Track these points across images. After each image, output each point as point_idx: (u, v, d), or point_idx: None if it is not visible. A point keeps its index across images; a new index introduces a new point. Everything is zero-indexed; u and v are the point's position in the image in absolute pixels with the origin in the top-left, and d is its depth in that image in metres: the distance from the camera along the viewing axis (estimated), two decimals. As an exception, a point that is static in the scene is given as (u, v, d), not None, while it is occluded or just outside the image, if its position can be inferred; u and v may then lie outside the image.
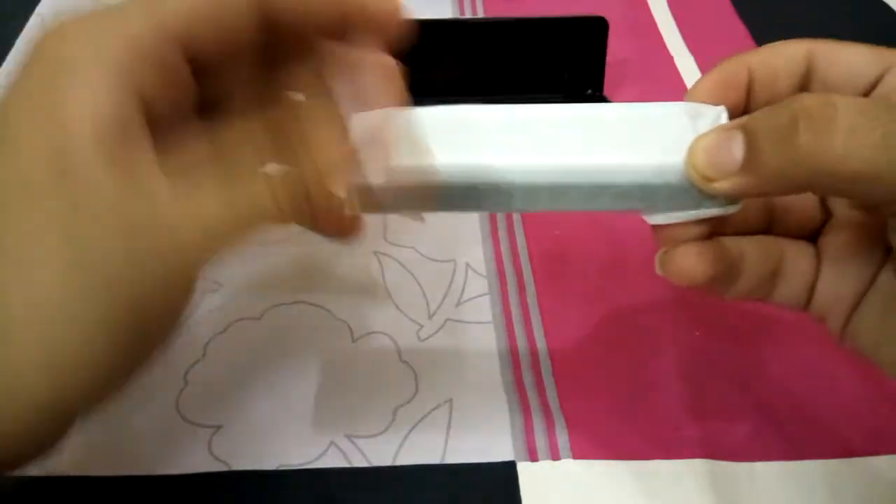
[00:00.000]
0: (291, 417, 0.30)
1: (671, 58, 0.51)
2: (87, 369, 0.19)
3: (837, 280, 0.25)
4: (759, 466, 0.30)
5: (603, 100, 0.44)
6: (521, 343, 0.34)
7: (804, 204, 0.26)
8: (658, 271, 0.25)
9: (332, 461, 0.29)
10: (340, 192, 0.21)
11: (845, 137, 0.19)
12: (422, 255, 0.37)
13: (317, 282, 0.35)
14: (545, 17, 0.42)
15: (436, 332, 0.34)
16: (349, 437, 0.30)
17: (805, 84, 0.24)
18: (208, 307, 0.33)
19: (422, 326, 0.34)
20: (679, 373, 0.32)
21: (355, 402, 0.31)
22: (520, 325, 0.34)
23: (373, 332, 0.27)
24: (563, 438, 0.30)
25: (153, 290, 0.19)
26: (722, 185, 0.21)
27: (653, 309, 0.35)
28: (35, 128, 0.18)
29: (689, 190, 0.22)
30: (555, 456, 0.30)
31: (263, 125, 0.22)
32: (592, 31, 0.42)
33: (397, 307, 0.34)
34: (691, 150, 0.22)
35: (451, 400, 0.31)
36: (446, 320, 0.34)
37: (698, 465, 0.29)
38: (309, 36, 0.22)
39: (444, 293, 0.35)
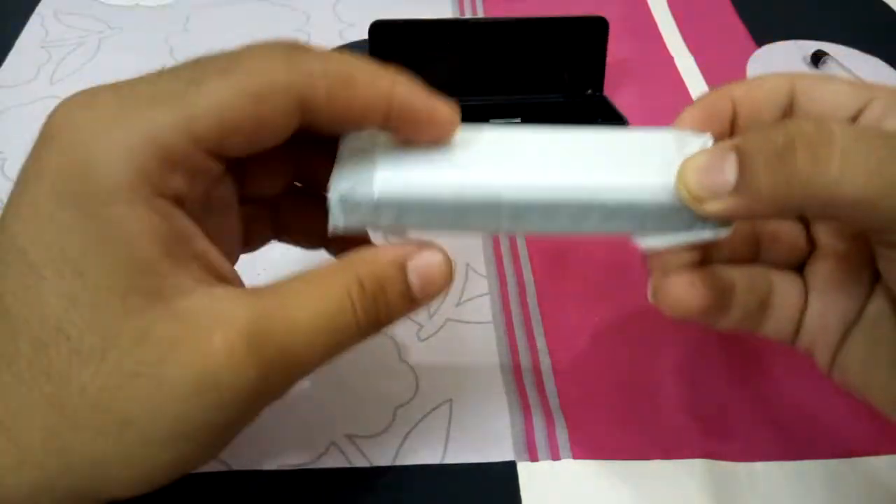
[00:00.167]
0: (291, 417, 0.30)
1: (671, 58, 0.51)
2: (188, 470, 0.21)
3: (825, 310, 0.25)
4: (759, 466, 0.30)
5: (603, 100, 0.44)
6: (521, 343, 0.34)
7: (792, 233, 0.26)
8: (651, 300, 0.25)
9: (332, 461, 0.29)
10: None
11: (841, 162, 0.19)
12: (422, 255, 0.37)
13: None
14: (546, 17, 0.42)
15: (436, 332, 0.34)
16: (349, 437, 0.30)
17: (787, 116, 0.24)
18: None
19: (422, 326, 0.34)
20: (679, 373, 0.32)
21: (355, 402, 0.31)
22: (520, 325, 0.34)
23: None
24: (563, 438, 0.30)
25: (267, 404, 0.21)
26: (713, 207, 0.21)
27: (653, 309, 0.35)
28: (103, 258, 0.19)
29: (678, 211, 0.22)
30: (555, 456, 0.30)
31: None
32: (593, 32, 0.42)
33: (397, 307, 0.34)
34: (682, 170, 0.22)
35: (451, 400, 0.31)
36: (446, 320, 0.34)
37: (698, 465, 0.29)
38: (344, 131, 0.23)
39: (444, 293, 0.35)
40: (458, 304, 0.35)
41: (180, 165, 0.20)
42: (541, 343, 0.34)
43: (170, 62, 0.49)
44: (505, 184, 0.22)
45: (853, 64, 0.50)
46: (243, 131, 0.20)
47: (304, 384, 0.31)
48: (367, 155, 0.23)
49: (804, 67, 0.51)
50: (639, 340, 0.34)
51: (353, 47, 0.50)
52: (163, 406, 0.19)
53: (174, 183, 0.20)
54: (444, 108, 0.23)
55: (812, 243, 0.26)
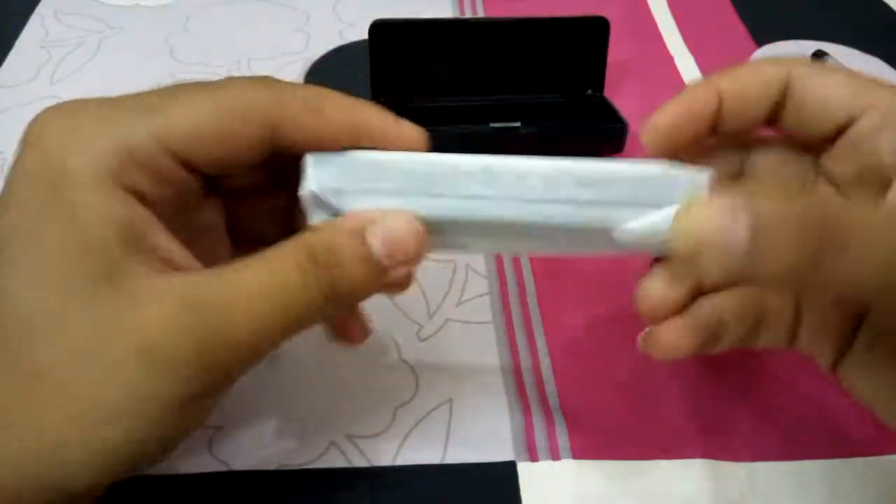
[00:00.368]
0: (291, 417, 0.30)
1: (671, 58, 0.51)
2: (147, 455, 0.21)
3: (821, 325, 0.25)
4: (759, 466, 0.30)
5: (603, 101, 0.44)
6: (521, 343, 0.34)
7: None
8: (641, 350, 0.24)
9: (332, 461, 0.29)
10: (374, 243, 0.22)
11: (855, 255, 0.19)
12: (422, 255, 0.37)
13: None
14: (547, 17, 0.42)
15: (436, 332, 0.34)
16: (349, 437, 0.30)
17: (777, 112, 0.24)
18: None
19: (422, 326, 0.34)
20: (679, 373, 0.32)
21: (355, 402, 0.31)
22: (520, 325, 0.34)
23: (373, 332, 0.27)
24: (563, 438, 0.30)
25: (214, 382, 0.21)
26: (712, 267, 0.20)
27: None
28: (60, 239, 0.20)
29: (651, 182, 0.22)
30: (555, 456, 0.30)
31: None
32: (594, 32, 0.42)
33: (397, 307, 0.34)
34: (687, 217, 0.20)
35: (451, 400, 0.31)
36: (446, 320, 0.34)
37: (698, 465, 0.29)
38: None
39: (445, 293, 0.35)
40: (458, 304, 0.35)
41: (146, 166, 0.21)
42: (541, 343, 0.34)
43: (170, 62, 0.49)
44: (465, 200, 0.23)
45: (853, 64, 0.50)
46: (213, 141, 0.21)
47: (304, 384, 0.31)
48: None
49: (804, 67, 0.51)
50: (639, 340, 0.34)
51: (353, 47, 0.50)
52: (105, 380, 0.19)
53: (138, 180, 0.21)
54: (412, 132, 0.23)
55: None
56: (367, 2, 0.52)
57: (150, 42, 0.50)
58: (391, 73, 0.42)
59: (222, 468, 0.29)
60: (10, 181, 0.20)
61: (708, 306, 0.24)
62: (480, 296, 0.35)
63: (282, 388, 0.31)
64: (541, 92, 0.44)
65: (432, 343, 0.33)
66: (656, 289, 0.24)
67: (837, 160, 0.24)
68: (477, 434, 0.30)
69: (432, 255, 0.23)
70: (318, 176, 0.22)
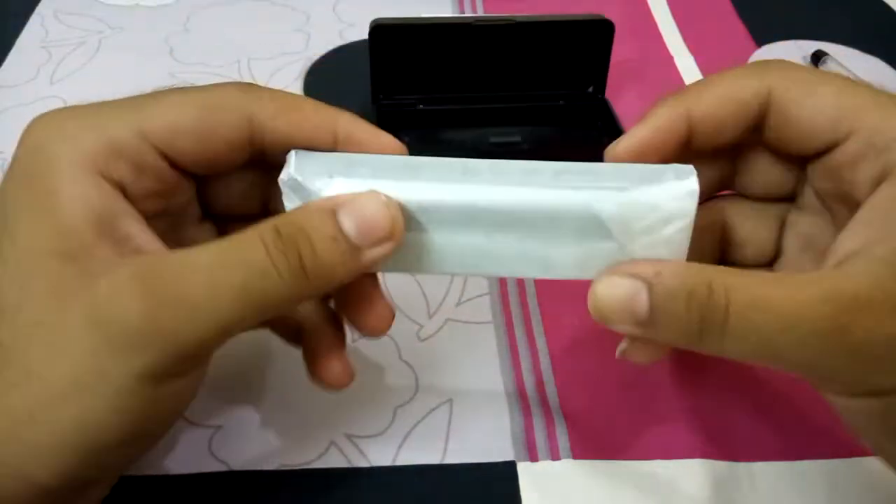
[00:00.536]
0: (291, 417, 0.30)
1: (671, 58, 0.51)
2: (111, 440, 0.20)
3: None
4: (759, 466, 0.30)
5: (604, 103, 0.44)
6: (521, 343, 0.34)
7: (760, 239, 0.27)
8: (618, 358, 0.25)
9: (332, 461, 0.29)
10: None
11: (732, 332, 0.20)
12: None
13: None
14: (549, 19, 0.42)
15: (436, 332, 0.34)
16: (349, 437, 0.30)
17: (757, 127, 0.24)
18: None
19: (422, 326, 0.34)
20: (679, 373, 0.32)
21: (355, 402, 0.31)
22: (520, 325, 0.34)
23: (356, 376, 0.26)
24: (563, 438, 0.30)
25: (168, 352, 0.20)
26: (621, 329, 0.22)
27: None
28: (34, 221, 0.20)
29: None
30: (555, 456, 0.30)
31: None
32: (597, 34, 0.42)
33: (397, 307, 0.34)
34: (593, 293, 0.22)
35: (451, 400, 0.31)
36: (446, 320, 0.34)
37: (698, 465, 0.29)
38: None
39: (444, 293, 0.35)
40: (458, 304, 0.35)
41: (129, 158, 0.21)
42: (541, 343, 0.34)
43: (170, 62, 0.49)
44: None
45: (853, 64, 0.50)
46: (192, 135, 0.22)
47: (304, 384, 0.31)
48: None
49: (804, 67, 0.51)
50: (639, 340, 0.34)
51: (353, 47, 0.50)
52: (60, 356, 0.19)
53: (121, 171, 0.21)
54: (390, 141, 0.24)
55: (778, 250, 0.27)
56: (367, 2, 0.52)
57: (150, 42, 0.50)
58: (391, 74, 0.42)
59: (222, 468, 0.29)
60: (4, 178, 0.21)
61: None
62: (480, 296, 0.35)
63: (282, 388, 0.31)
64: (542, 94, 0.44)
65: (432, 343, 0.33)
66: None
67: (820, 177, 0.24)
68: (477, 434, 0.30)
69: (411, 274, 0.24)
70: (298, 164, 0.23)
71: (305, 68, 0.48)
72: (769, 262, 0.27)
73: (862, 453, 0.30)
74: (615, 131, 0.42)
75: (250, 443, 0.29)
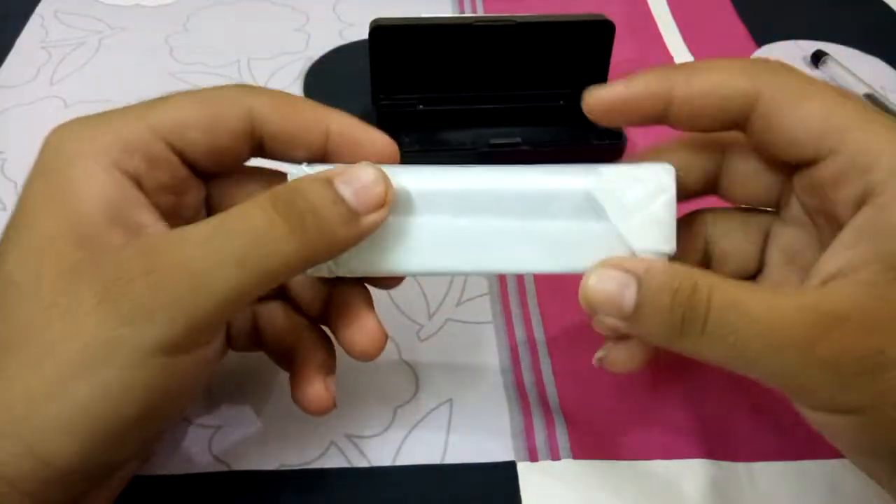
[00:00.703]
0: (291, 417, 0.30)
1: (671, 58, 0.51)
2: (124, 417, 0.20)
3: None
4: (759, 466, 0.30)
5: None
6: (521, 343, 0.34)
7: (742, 252, 0.27)
8: (595, 365, 0.26)
9: (332, 461, 0.29)
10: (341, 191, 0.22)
11: (711, 334, 0.21)
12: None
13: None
14: (549, 20, 0.42)
15: (436, 332, 0.34)
16: (349, 437, 0.30)
17: (738, 125, 0.24)
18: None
19: (422, 326, 0.34)
20: (679, 372, 0.32)
21: (355, 402, 0.31)
22: (520, 325, 0.34)
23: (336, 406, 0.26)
24: (563, 438, 0.30)
25: (177, 324, 0.20)
26: (605, 321, 0.23)
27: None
28: (50, 211, 0.21)
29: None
30: (555, 456, 0.30)
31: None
32: (597, 34, 0.42)
33: (397, 307, 0.34)
34: (587, 280, 0.23)
35: (451, 400, 0.31)
36: (446, 320, 0.34)
37: (698, 465, 0.29)
38: (293, 154, 0.25)
39: (444, 293, 0.35)
40: (458, 304, 0.35)
41: (142, 152, 0.22)
42: (541, 343, 0.34)
43: (170, 62, 0.49)
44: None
45: (853, 64, 0.50)
46: (198, 128, 0.23)
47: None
48: None
49: (804, 67, 0.51)
50: (639, 340, 0.34)
51: (353, 47, 0.50)
52: (73, 333, 0.20)
53: (135, 165, 0.22)
54: (382, 139, 0.25)
55: (762, 263, 0.27)
56: (367, 2, 0.52)
57: (150, 42, 0.50)
58: (391, 74, 0.42)
59: (222, 468, 0.29)
60: (26, 179, 0.22)
61: None
62: (480, 296, 0.36)
63: (282, 388, 0.31)
64: (542, 93, 0.44)
65: (432, 343, 0.33)
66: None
67: (804, 191, 0.24)
68: (477, 434, 0.30)
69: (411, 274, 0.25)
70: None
71: (305, 68, 0.48)
72: (752, 276, 0.27)
73: (862, 453, 0.30)
74: (615, 132, 0.42)
75: (250, 443, 0.29)
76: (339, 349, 0.26)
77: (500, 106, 0.44)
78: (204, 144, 0.23)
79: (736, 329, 0.21)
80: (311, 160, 0.25)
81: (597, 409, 0.31)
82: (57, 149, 0.22)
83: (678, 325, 0.21)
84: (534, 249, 0.24)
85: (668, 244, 0.24)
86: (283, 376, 0.31)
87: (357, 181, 0.22)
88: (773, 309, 0.21)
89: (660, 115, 0.24)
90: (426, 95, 0.43)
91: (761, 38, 0.53)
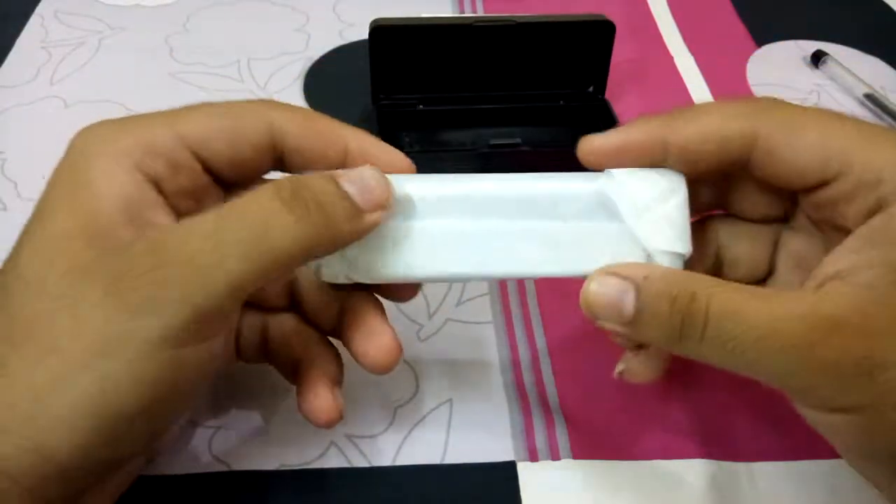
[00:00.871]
0: (292, 417, 0.30)
1: (671, 58, 0.51)
2: (129, 409, 0.20)
3: None
4: (759, 466, 0.30)
5: (604, 102, 0.44)
6: (521, 343, 0.34)
7: (752, 257, 0.27)
8: (616, 377, 0.27)
9: (332, 461, 0.29)
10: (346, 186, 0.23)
11: (711, 337, 0.21)
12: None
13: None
14: (550, 20, 0.42)
15: (436, 332, 0.34)
16: (349, 437, 0.30)
17: (740, 164, 0.24)
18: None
19: (422, 326, 0.34)
20: (679, 372, 0.32)
21: (355, 402, 0.31)
22: (520, 325, 0.34)
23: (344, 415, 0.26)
24: (563, 438, 0.30)
25: (183, 314, 0.20)
26: (608, 326, 0.23)
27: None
28: (66, 208, 0.22)
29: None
30: (555, 456, 0.30)
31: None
32: (598, 34, 0.42)
33: (397, 307, 0.34)
34: (585, 290, 0.23)
35: (451, 400, 0.31)
36: (446, 320, 0.34)
37: (698, 465, 0.29)
38: (312, 168, 0.25)
39: (444, 293, 0.35)
40: (458, 304, 0.35)
41: (165, 156, 0.23)
42: (541, 343, 0.34)
43: (170, 62, 0.49)
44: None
45: (853, 64, 0.50)
46: (222, 139, 0.24)
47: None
48: None
49: (804, 67, 0.51)
50: (639, 340, 0.34)
51: (353, 47, 0.50)
52: (80, 326, 0.20)
53: (157, 168, 0.23)
54: (399, 156, 0.25)
55: (772, 268, 0.27)
56: (367, 2, 0.52)
57: (150, 42, 0.50)
58: (391, 74, 0.42)
59: (222, 468, 0.29)
60: (50, 177, 0.23)
61: None
62: (480, 296, 0.35)
63: (282, 388, 0.31)
64: (542, 93, 0.44)
65: (432, 343, 0.33)
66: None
67: (812, 207, 0.25)
68: (477, 434, 0.30)
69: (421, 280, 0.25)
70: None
71: (305, 68, 0.48)
72: (762, 280, 0.27)
73: (862, 453, 0.30)
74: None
75: (250, 443, 0.29)
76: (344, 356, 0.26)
77: (500, 106, 0.44)
78: (226, 155, 0.24)
79: (734, 336, 0.21)
80: None
81: (597, 409, 0.31)
82: (81, 149, 0.23)
83: (677, 331, 0.22)
84: (547, 252, 0.24)
85: (684, 245, 0.24)
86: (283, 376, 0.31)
87: (361, 180, 0.23)
88: (771, 315, 0.21)
89: (658, 161, 0.25)
90: (426, 95, 0.43)
91: (761, 38, 0.53)
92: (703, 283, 0.22)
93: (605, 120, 0.43)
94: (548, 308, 0.35)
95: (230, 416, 0.30)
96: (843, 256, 0.22)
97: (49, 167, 0.23)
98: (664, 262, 0.24)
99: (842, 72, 0.49)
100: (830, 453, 0.30)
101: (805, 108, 0.24)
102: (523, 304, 0.35)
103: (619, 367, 0.26)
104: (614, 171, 0.25)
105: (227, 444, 0.29)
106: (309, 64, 0.49)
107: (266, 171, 0.25)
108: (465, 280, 0.24)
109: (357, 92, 0.43)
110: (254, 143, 0.24)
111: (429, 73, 0.43)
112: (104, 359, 0.19)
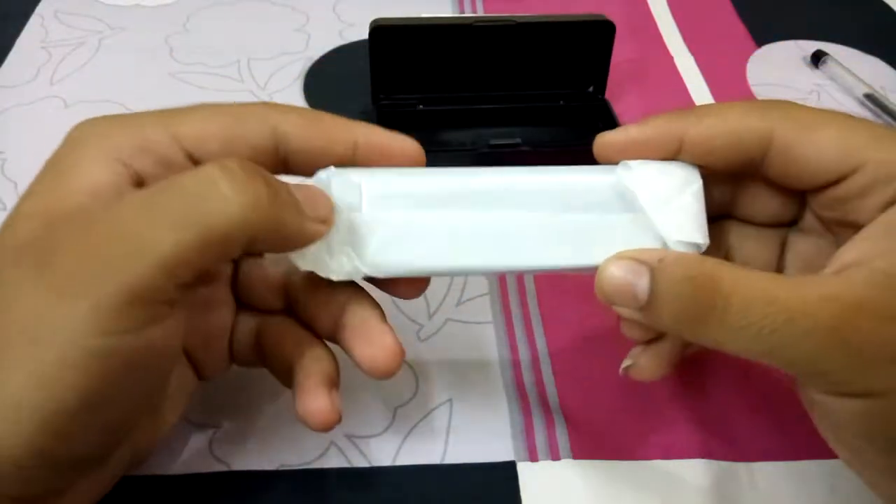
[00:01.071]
0: (291, 417, 0.30)
1: (671, 58, 0.51)
2: (69, 402, 0.19)
3: None
4: (759, 466, 0.30)
5: (604, 102, 0.44)
6: (521, 343, 0.34)
7: (760, 259, 0.27)
8: (621, 374, 0.26)
9: (332, 461, 0.29)
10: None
11: (732, 322, 0.21)
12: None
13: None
14: (550, 20, 0.42)
15: (436, 332, 0.34)
16: (349, 437, 0.30)
17: (753, 163, 0.24)
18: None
19: (422, 326, 0.34)
20: (679, 372, 0.32)
21: (355, 402, 0.31)
22: (520, 325, 0.34)
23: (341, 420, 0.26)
24: (563, 438, 0.30)
25: (112, 294, 0.19)
26: (620, 312, 0.23)
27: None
28: (38, 192, 0.22)
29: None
30: (555, 456, 0.30)
31: None
32: (598, 34, 0.42)
33: (397, 307, 0.34)
34: (599, 274, 0.23)
35: (451, 400, 0.31)
36: (446, 320, 0.34)
37: (698, 465, 0.29)
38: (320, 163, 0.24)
39: (445, 293, 0.35)
40: (458, 304, 0.35)
41: (156, 153, 0.22)
42: (541, 343, 0.34)
43: (170, 62, 0.49)
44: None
45: (853, 64, 0.50)
46: (220, 140, 0.23)
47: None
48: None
49: (804, 67, 0.51)
50: (639, 340, 0.34)
51: (353, 47, 0.50)
52: (13, 310, 0.19)
53: (143, 163, 0.22)
54: (409, 142, 0.25)
55: (781, 269, 0.27)
56: (367, 2, 0.52)
57: (150, 42, 0.50)
58: (391, 74, 0.42)
59: (222, 468, 0.29)
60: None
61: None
62: (480, 296, 0.36)
63: (282, 387, 0.31)
64: (542, 93, 0.44)
65: (432, 343, 0.33)
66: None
67: (823, 206, 0.25)
68: (477, 434, 0.30)
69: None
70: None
71: (305, 68, 0.48)
72: None
73: (862, 453, 0.30)
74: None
75: (250, 443, 0.29)
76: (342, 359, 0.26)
77: (500, 106, 0.44)
78: (220, 155, 0.23)
79: (759, 318, 0.20)
80: None
81: (597, 409, 0.31)
82: (74, 140, 0.23)
83: (696, 314, 0.21)
84: (560, 244, 0.24)
85: (701, 236, 0.24)
86: (283, 376, 0.31)
87: (307, 189, 0.23)
88: (799, 298, 0.21)
89: (672, 154, 0.25)
90: (426, 95, 0.43)
91: (761, 38, 0.53)
92: (723, 266, 0.22)
93: (605, 120, 0.43)
94: (548, 308, 0.35)
95: (230, 416, 0.30)
96: (860, 245, 0.22)
97: (49, 167, 0.23)
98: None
99: (842, 72, 0.49)
100: (830, 453, 0.30)
101: (820, 109, 0.24)
102: (523, 304, 0.35)
103: (626, 363, 0.26)
104: (630, 161, 0.24)
105: (227, 444, 0.29)
106: (309, 64, 0.49)
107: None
108: (478, 273, 0.24)
109: (357, 92, 0.43)
110: (253, 147, 0.23)
111: (429, 73, 0.43)
112: (35, 346, 0.18)
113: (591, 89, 0.44)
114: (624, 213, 0.24)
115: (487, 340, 0.34)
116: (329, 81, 0.48)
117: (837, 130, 0.23)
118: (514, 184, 0.24)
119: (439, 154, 0.42)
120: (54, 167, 0.22)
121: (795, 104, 0.24)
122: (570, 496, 0.28)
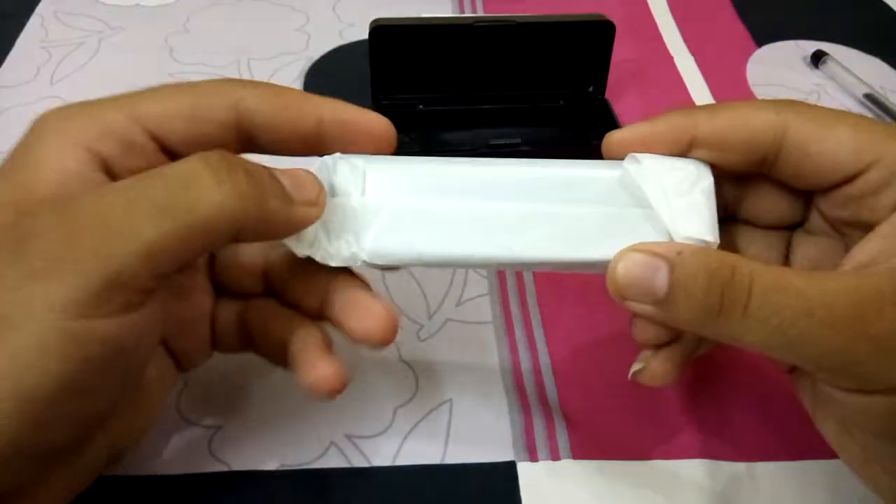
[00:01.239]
0: (291, 417, 0.30)
1: (671, 58, 0.51)
2: (46, 388, 0.18)
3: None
4: (759, 466, 0.30)
5: (604, 102, 0.44)
6: (521, 343, 0.34)
7: (766, 260, 0.27)
8: (630, 379, 0.26)
9: (332, 461, 0.29)
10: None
11: (753, 315, 0.20)
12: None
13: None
14: (550, 20, 0.42)
15: (436, 332, 0.34)
16: (349, 437, 0.30)
17: (763, 161, 0.24)
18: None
19: (422, 326, 0.34)
20: (679, 373, 0.32)
21: (355, 402, 0.31)
22: (520, 325, 0.34)
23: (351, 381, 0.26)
24: (563, 438, 0.30)
25: (89, 278, 0.19)
26: (634, 308, 0.22)
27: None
28: (10, 179, 0.22)
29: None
30: (555, 456, 0.30)
31: None
32: (598, 35, 0.42)
33: (397, 307, 0.34)
34: (612, 268, 0.22)
35: (451, 400, 0.31)
36: (446, 320, 0.34)
37: (698, 465, 0.29)
38: (287, 144, 0.24)
39: (444, 293, 0.35)
40: (458, 304, 0.35)
41: (119, 136, 0.22)
42: (541, 343, 0.34)
43: (170, 62, 0.49)
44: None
45: (853, 64, 0.50)
46: (182, 118, 0.23)
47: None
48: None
49: (804, 67, 0.51)
50: (639, 340, 0.34)
51: (353, 47, 0.50)
52: (31, 297, 0.18)
53: (107, 147, 0.22)
54: (377, 118, 0.25)
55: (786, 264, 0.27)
56: (367, 2, 0.52)
57: (150, 42, 0.50)
58: (391, 74, 0.42)
59: (222, 468, 0.29)
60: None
61: (689, 340, 0.26)
62: (480, 296, 0.36)
63: (282, 388, 0.31)
64: (542, 93, 0.44)
65: (432, 343, 0.33)
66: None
67: (834, 205, 0.24)
68: (477, 434, 0.30)
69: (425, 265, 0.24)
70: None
71: (305, 68, 0.48)
72: None
73: (862, 453, 0.30)
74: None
75: (250, 443, 0.29)
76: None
77: (500, 106, 0.44)
78: (184, 133, 0.23)
79: (780, 310, 0.20)
80: (306, 151, 0.24)
81: (597, 409, 0.31)
82: (37, 130, 0.22)
83: (716, 307, 0.21)
84: (566, 237, 0.23)
85: (711, 233, 0.23)
86: (283, 375, 0.31)
87: (293, 174, 0.23)
88: (822, 289, 0.20)
89: (683, 150, 0.24)
90: (426, 95, 0.43)
91: (761, 38, 0.53)
92: (742, 259, 0.21)
93: (605, 120, 0.43)
94: (548, 308, 0.35)
95: (230, 416, 0.30)
96: (877, 243, 0.22)
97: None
98: None
99: (842, 72, 0.49)
100: (831, 453, 0.30)
101: (832, 109, 0.24)
102: (523, 305, 0.35)
103: (636, 367, 0.25)
104: (639, 155, 0.24)
105: (226, 444, 0.29)
106: (309, 64, 0.49)
107: (235, 152, 0.24)
108: (479, 264, 0.23)
109: (357, 92, 0.43)
110: (216, 121, 0.23)
111: (429, 73, 0.43)
112: (10, 330, 0.18)
113: (591, 89, 0.44)
114: (631, 207, 0.24)
115: (487, 340, 0.34)
116: (329, 81, 0.48)
117: (852, 127, 0.23)
118: (518, 175, 0.24)
119: (439, 154, 0.42)
120: (20, 158, 0.22)
121: (806, 103, 0.24)
122: (570, 496, 0.28)
